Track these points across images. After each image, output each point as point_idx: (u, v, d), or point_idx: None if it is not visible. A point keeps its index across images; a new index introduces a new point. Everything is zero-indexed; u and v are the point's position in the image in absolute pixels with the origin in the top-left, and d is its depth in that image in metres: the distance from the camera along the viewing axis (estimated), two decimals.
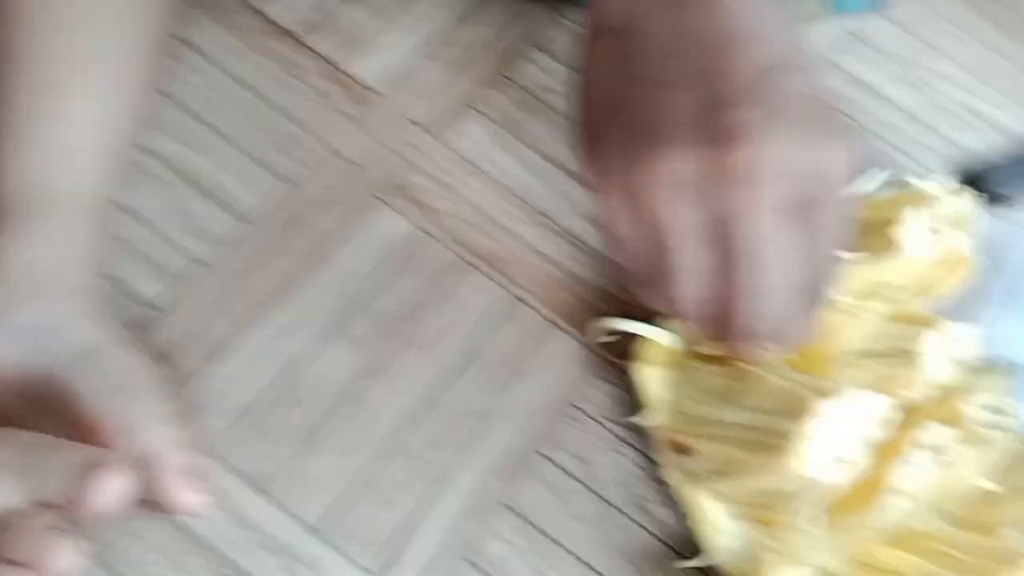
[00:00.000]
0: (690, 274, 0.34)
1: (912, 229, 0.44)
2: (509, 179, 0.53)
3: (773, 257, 0.32)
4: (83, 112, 0.40)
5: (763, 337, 0.36)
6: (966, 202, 0.48)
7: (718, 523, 0.42)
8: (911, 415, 0.41)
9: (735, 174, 0.31)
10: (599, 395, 0.48)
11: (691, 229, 0.33)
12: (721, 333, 0.36)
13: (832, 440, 0.38)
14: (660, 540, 0.44)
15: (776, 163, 0.31)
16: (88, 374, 0.37)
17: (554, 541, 0.44)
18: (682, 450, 0.43)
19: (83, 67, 0.40)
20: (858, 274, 0.44)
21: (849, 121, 0.32)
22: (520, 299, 0.49)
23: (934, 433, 0.40)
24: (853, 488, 0.39)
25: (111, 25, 0.41)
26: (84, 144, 0.40)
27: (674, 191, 0.32)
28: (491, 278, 0.50)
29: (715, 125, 0.31)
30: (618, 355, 0.48)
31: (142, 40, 0.43)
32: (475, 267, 0.50)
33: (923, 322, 0.43)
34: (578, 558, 0.43)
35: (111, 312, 0.40)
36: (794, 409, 0.39)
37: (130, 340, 0.39)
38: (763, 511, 0.41)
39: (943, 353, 0.42)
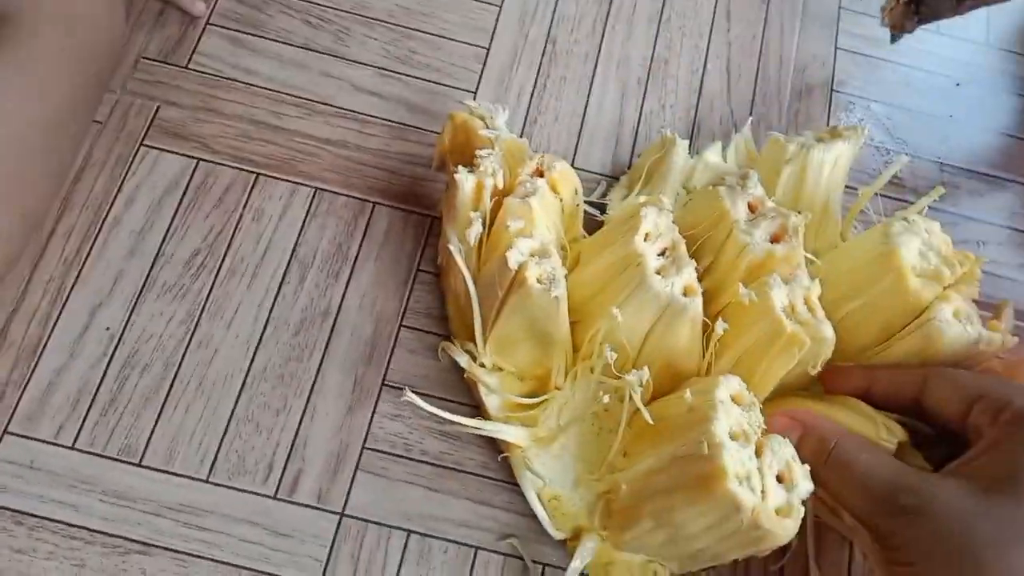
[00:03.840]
0: None
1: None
2: (264, 80, 0.50)
3: None
4: None
5: None
6: None
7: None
8: None
9: None
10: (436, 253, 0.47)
11: None
12: None
13: None
14: None
15: None
16: None
17: (443, 399, 0.44)
18: None
19: None
20: None
21: None
22: (322, 190, 0.48)
23: None
24: None
25: None
26: None
27: None
28: (284, 180, 0.48)
29: None
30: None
31: None
32: (264, 176, 0.47)
33: None
34: (473, 406, 0.44)
35: None
36: None
37: None
38: None
39: None
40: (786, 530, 0.34)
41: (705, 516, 0.35)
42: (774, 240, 0.40)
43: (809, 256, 0.41)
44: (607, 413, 0.41)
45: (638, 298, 0.38)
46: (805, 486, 0.35)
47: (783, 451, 0.35)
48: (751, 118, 0.52)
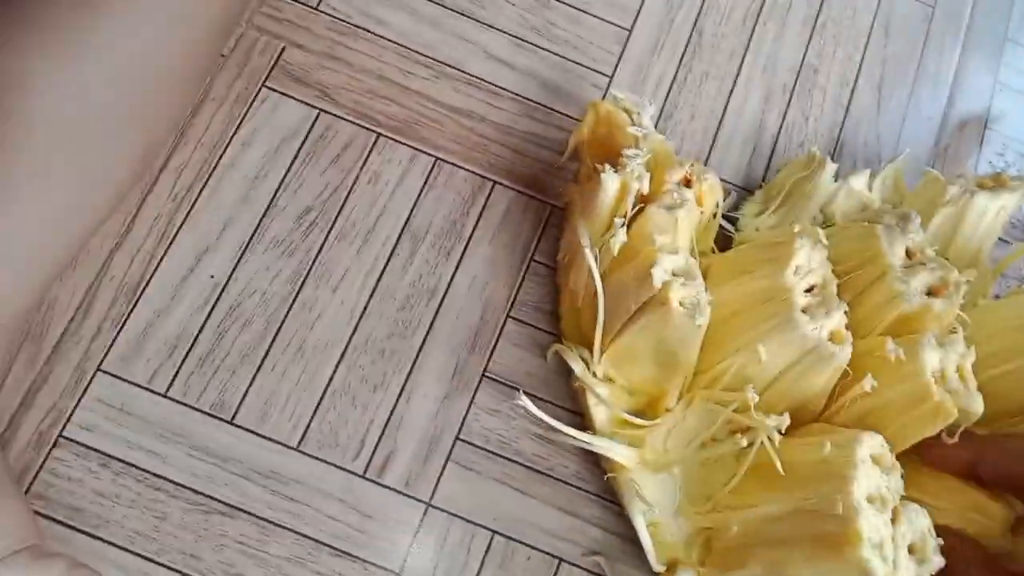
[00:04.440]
0: None
1: None
2: (395, 33, 0.47)
3: None
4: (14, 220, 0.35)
5: None
6: None
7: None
8: None
9: None
10: (555, 245, 0.45)
11: None
12: None
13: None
14: None
15: None
16: None
17: (543, 400, 0.42)
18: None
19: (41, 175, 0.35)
20: None
21: None
22: (442, 160, 0.45)
23: None
24: None
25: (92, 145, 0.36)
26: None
27: None
28: (405, 145, 0.45)
29: None
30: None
31: (115, 169, 0.38)
32: (385, 137, 0.45)
33: None
34: (572, 411, 0.42)
35: None
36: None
37: None
38: None
39: None
40: None
41: (823, 575, 0.33)
42: (930, 294, 0.38)
43: (963, 315, 0.38)
44: (714, 443, 0.39)
45: (780, 336, 0.36)
46: (937, 561, 0.33)
47: (919, 521, 0.33)
48: (907, 150, 0.48)
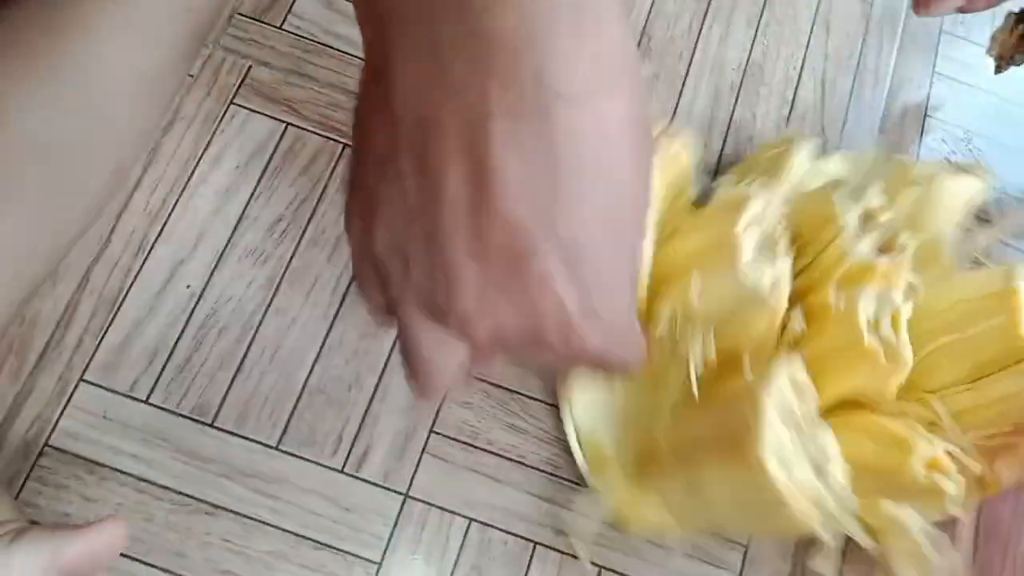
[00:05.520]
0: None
1: None
2: (357, 48, 0.49)
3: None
4: None
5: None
6: None
7: None
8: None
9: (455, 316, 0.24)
10: None
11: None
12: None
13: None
14: None
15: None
16: None
17: (516, 392, 0.44)
18: None
19: None
20: None
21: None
22: None
23: None
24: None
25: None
26: None
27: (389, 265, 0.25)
28: None
29: (432, 255, 0.24)
30: None
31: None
32: (350, 147, 0.47)
33: None
34: (543, 401, 0.44)
35: None
36: None
37: None
38: None
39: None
40: (809, 516, 0.34)
41: (731, 482, 0.36)
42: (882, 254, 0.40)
43: (912, 280, 0.40)
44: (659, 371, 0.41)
45: (724, 279, 0.38)
46: (842, 485, 0.35)
47: (829, 446, 0.35)
48: (880, 136, 0.51)
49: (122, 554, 0.39)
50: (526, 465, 0.43)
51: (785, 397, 0.36)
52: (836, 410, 0.40)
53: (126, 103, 0.40)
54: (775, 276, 0.38)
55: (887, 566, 0.40)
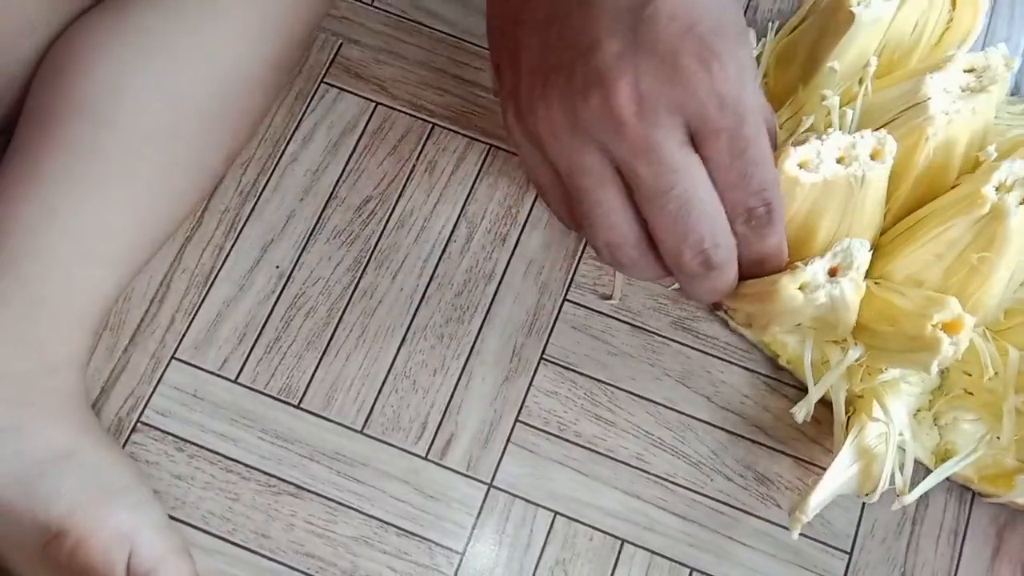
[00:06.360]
0: (605, 219, 0.30)
1: None
2: (447, 25, 0.48)
3: (682, 190, 0.29)
4: (101, 219, 0.38)
5: (699, 272, 0.31)
6: None
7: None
8: None
9: (612, 117, 0.28)
10: None
11: (597, 173, 0.30)
12: (657, 276, 0.32)
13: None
14: (710, 355, 0.43)
15: (647, 99, 0.28)
16: (65, 478, 0.35)
17: (602, 382, 0.42)
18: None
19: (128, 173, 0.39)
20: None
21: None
22: (496, 148, 0.46)
23: None
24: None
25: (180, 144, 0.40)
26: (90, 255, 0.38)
27: (569, 138, 0.29)
28: (459, 134, 0.46)
29: (584, 67, 0.28)
30: None
31: (198, 168, 0.41)
32: (440, 127, 0.46)
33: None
34: (631, 393, 0.42)
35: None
36: None
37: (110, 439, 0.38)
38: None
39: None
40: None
41: None
42: None
43: None
44: None
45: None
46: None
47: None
48: None
49: (207, 532, 0.39)
50: (613, 459, 0.41)
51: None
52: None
53: (244, 92, 0.41)
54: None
55: None
